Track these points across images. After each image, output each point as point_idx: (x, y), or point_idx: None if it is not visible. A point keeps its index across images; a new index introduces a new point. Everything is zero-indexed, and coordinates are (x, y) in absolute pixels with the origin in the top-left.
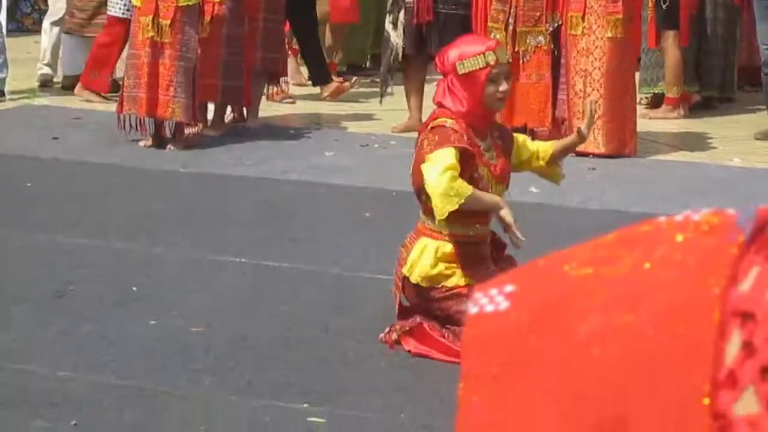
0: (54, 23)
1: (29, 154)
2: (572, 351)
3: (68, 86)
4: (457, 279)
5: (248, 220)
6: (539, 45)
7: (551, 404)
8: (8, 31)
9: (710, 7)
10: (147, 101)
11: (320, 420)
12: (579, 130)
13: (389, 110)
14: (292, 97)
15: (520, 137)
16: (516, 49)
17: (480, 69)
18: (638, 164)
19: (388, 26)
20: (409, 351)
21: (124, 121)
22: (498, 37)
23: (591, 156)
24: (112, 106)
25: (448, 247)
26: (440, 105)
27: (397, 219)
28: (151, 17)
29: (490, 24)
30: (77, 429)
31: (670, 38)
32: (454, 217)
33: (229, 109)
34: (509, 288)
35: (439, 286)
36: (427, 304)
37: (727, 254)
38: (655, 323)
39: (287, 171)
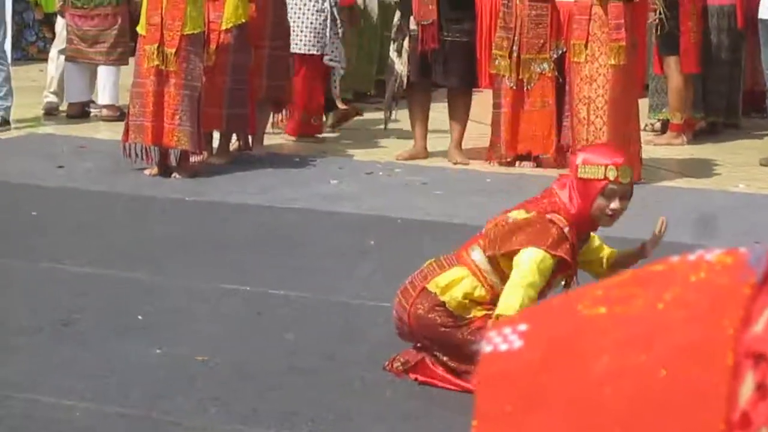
0: (61, 51)
1: (34, 182)
2: (585, 390)
3: (72, 114)
4: (475, 311)
5: (253, 248)
6: (543, 72)
7: None
8: (13, 59)
9: (714, 32)
10: (152, 130)
11: None
12: (643, 246)
13: (394, 138)
14: None
15: (596, 239)
16: (520, 77)
17: (597, 179)
18: (643, 190)
19: (393, 54)
20: (415, 379)
21: (130, 149)
22: (502, 64)
23: None
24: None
25: (482, 292)
26: (555, 193)
27: (402, 247)
28: (156, 46)
29: (494, 51)
30: None
31: (672, 64)
32: (505, 278)
33: (234, 137)
34: (523, 327)
35: (457, 315)
36: (438, 327)
37: (740, 295)
38: (669, 364)
39: (292, 199)
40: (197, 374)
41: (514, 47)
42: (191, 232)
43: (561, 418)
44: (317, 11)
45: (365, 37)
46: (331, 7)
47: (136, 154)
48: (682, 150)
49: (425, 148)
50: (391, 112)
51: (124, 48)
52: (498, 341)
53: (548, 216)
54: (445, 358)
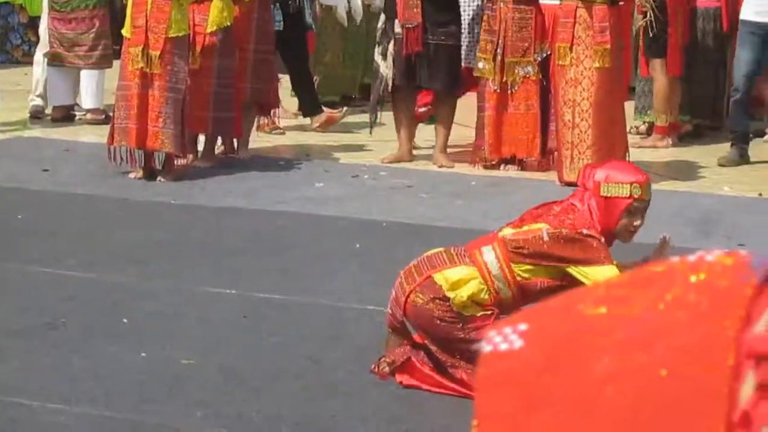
0: (45, 54)
1: (20, 186)
2: (586, 390)
3: (57, 118)
4: (474, 310)
5: (239, 251)
6: (527, 75)
7: None
8: None
9: (699, 34)
10: (137, 132)
11: None
12: (645, 259)
13: (379, 141)
14: (281, 128)
15: None
16: (504, 80)
17: (622, 198)
18: None
19: (378, 57)
20: (400, 382)
21: (115, 152)
22: (486, 67)
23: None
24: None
25: (486, 296)
26: (576, 209)
27: (388, 249)
28: (140, 48)
29: (478, 54)
30: None
31: (657, 66)
32: (515, 284)
33: (219, 140)
34: (523, 326)
35: (457, 314)
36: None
37: (741, 296)
38: (670, 364)
39: (277, 202)
40: (184, 377)
41: (498, 50)
42: (177, 236)
43: (562, 418)
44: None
45: (350, 41)
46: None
47: (122, 158)
48: (667, 153)
49: (410, 151)
50: (376, 116)
51: (104, 51)
52: (498, 341)
53: (587, 231)
54: (433, 348)
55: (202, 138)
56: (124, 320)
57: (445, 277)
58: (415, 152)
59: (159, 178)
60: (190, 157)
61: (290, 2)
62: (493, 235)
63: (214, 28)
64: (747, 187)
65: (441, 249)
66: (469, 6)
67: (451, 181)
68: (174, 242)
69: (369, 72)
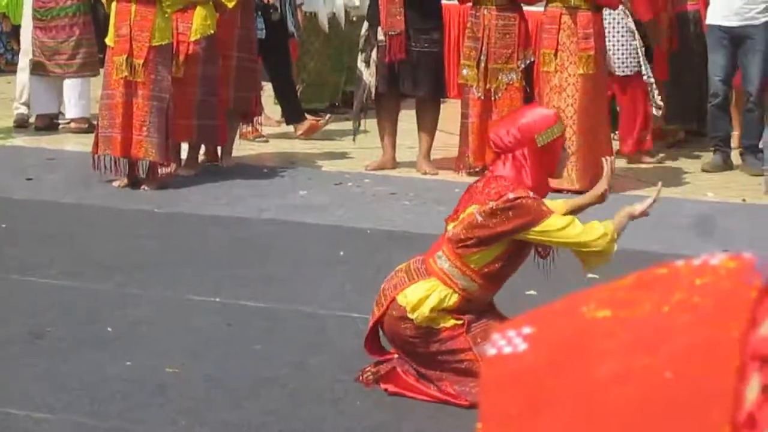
0: (31, 61)
1: (3, 194)
2: (591, 393)
3: (40, 127)
4: (444, 321)
5: (223, 259)
6: (511, 82)
7: None
8: None
9: (683, 41)
10: (121, 141)
11: None
12: (596, 190)
13: (363, 148)
14: (265, 135)
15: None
16: (488, 86)
17: (557, 138)
18: (612, 200)
19: (361, 64)
20: (385, 390)
21: (99, 161)
22: (470, 74)
23: (565, 192)
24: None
25: (453, 299)
26: (498, 176)
27: (372, 257)
28: (124, 57)
29: (462, 61)
30: None
31: None
32: (477, 278)
33: (202, 148)
34: (527, 329)
35: (427, 327)
36: (404, 344)
37: (746, 298)
38: (674, 366)
39: (261, 210)
40: (168, 386)
41: (482, 57)
42: (161, 244)
43: (566, 421)
44: (627, 31)
45: (333, 48)
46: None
47: (106, 167)
48: (652, 159)
49: (394, 158)
50: (359, 123)
51: (85, 59)
52: (502, 344)
53: (513, 194)
54: (415, 365)
55: (185, 146)
56: (109, 329)
57: (406, 297)
58: (398, 159)
59: (143, 186)
60: (174, 165)
61: (272, 10)
62: (442, 237)
63: (198, 36)
64: (731, 193)
65: (402, 266)
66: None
67: (435, 188)
68: (158, 250)
69: (352, 79)
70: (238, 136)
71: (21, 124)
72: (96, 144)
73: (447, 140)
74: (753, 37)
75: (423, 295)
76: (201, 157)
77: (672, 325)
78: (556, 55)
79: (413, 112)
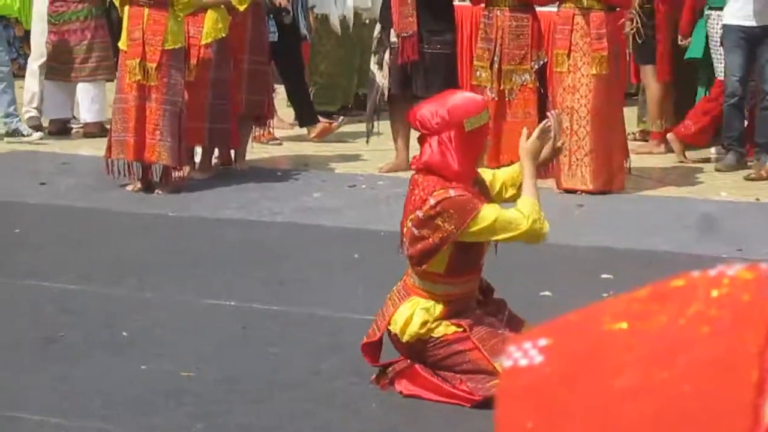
0: (42, 66)
1: (17, 199)
2: (607, 406)
3: (53, 131)
4: (444, 329)
5: (237, 262)
6: (525, 83)
7: None
8: None
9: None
10: (134, 145)
11: None
12: (551, 146)
13: (376, 150)
14: (278, 138)
15: (488, 173)
16: (501, 88)
17: (484, 125)
18: (626, 200)
19: (374, 66)
20: (400, 392)
21: (112, 165)
22: (483, 75)
23: (579, 193)
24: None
25: (439, 308)
26: (427, 167)
27: (386, 259)
28: (137, 60)
29: (475, 63)
30: None
31: (648, 73)
32: (446, 278)
33: (216, 151)
34: (543, 342)
35: (427, 338)
36: (416, 354)
37: (764, 311)
38: (692, 380)
39: (275, 213)
40: (183, 390)
41: (495, 58)
42: (175, 248)
43: None
44: None
45: (345, 50)
46: None
47: (119, 171)
48: (665, 158)
49: (407, 160)
50: (373, 125)
51: (98, 63)
52: (518, 356)
53: (433, 200)
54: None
55: (198, 150)
56: (123, 333)
57: (396, 324)
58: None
59: (156, 190)
60: (187, 168)
61: (284, 13)
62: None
63: (209, 40)
64: (745, 192)
65: (392, 290)
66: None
67: None
68: (172, 254)
69: (364, 81)
70: (251, 139)
71: (35, 128)
72: (109, 148)
73: None
74: None
75: (408, 315)
76: (214, 161)
77: (689, 338)
78: (569, 55)
79: None
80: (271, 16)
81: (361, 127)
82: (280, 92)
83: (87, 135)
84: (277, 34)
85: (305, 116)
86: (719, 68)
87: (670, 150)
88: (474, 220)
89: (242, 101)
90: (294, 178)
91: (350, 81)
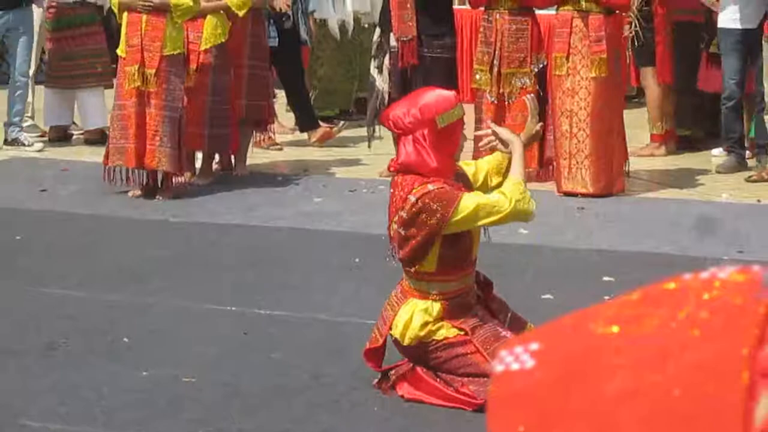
0: (33, 75)
1: (18, 206)
2: (599, 410)
3: (53, 138)
4: (446, 331)
5: (238, 267)
6: (524, 86)
7: None
8: None
9: (687, 44)
10: (135, 151)
11: None
12: (529, 128)
13: (377, 155)
14: (279, 143)
15: (470, 165)
16: (501, 91)
17: (458, 120)
18: (627, 202)
19: (374, 71)
20: (402, 396)
21: (111, 172)
22: (483, 78)
23: (579, 196)
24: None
25: (436, 307)
26: (404, 167)
27: (387, 264)
28: (136, 67)
29: (475, 66)
30: None
31: (648, 75)
32: (440, 275)
33: (217, 157)
34: (535, 346)
35: (429, 340)
36: (418, 358)
37: (755, 314)
38: (683, 383)
39: (276, 218)
40: (184, 395)
41: (495, 61)
42: (176, 253)
43: None
44: None
45: (344, 55)
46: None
47: (120, 178)
48: (665, 161)
49: None
50: (373, 129)
51: (95, 70)
52: (509, 361)
53: (413, 197)
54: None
55: (199, 155)
56: (124, 339)
57: (397, 328)
58: None
59: (157, 196)
60: (188, 174)
61: (284, 18)
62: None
63: (208, 45)
64: (745, 194)
65: (390, 295)
66: None
67: None
68: (173, 260)
69: (364, 86)
70: (251, 144)
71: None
72: (107, 155)
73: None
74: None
75: (407, 318)
76: (215, 166)
77: (680, 341)
78: (568, 58)
79: None
80: (272, 21)
81: (362, 131)
82: (281, 97)
83: (87, 141)
84: (277, 39)
85: (306, 121)
86: None
87: (670, 152)
88: (456, 210)
89: (242, 106)
90: (295, 183)
91: (349, 86)
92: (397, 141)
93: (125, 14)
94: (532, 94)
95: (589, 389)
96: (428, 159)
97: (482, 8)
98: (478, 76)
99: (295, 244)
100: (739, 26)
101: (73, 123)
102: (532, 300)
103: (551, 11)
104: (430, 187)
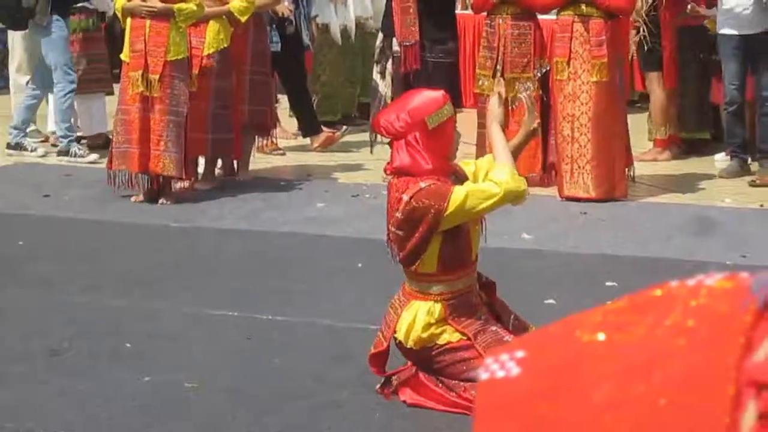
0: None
1: (21, 211)
2: (585, 418)
3: (56, 144)
4: (449, 335)
5: (241, 272)
6: (528, 91)
7: None
8: None
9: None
10: (139, 156)
11: None
12: (526, 126)
13: (379, 159)
14: (282, 149)
15: (469, 165)
16: (504, 96)
17: (448, 119)
18: (629, 207)
19: (376, 76)
20: (404, 401)
21: (114, 177)
22: (486, 83)
23: (581, 200)
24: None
25: (438, 308)
26: (399, 171)
27: (390, 268)
28: (140, 72)
29: (477, 71)
30: None
31: (654, 80)
32: (440, 275)
33: (219, 162)
34: (520, 354)
35: (432, 344)
36: (421, 362)
37: (741, 322)
38: (668, 393)
39: (279, 223)
40: (188, 401)
41: (498, 66)
42: (179, 259)
43: None
44: None
45: (347, 60)
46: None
47: (121, 182)
48: (668, 165)
49: None
50: (376, 135)
51: (89, 76)
52: (495, 368)
53: (406, 196)
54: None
55: (202, 160)
56: (128, 344)
57: (400, 329)
58: None
59: (161, 201)
60: (192, 179)
61: (287, 24)
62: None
63: (212, 50)
64: (748, 198)
65: (393, 298)
66: None
67: None
68: (176, 265)
69: (367, 90)
70: (254, 149)
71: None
72: (110, 160)
73: (464, 150)
74: (765, 45)
75: (410, 320)
76: (218, 171)
77: (666, 349)
78: (569, 63)
79: None
80: (274, 26)
81: (365, 136)
82: (283, 102)
83: (90, 147)
84: (280, 44)
85: (308, 126)
86: None
87: (673, 157)
88: (449, 202)
89: (245, 111)
90: (298, 188)
91: (351, 91)
92: (391, 146)
93: (129, 20)
94: (528, 92)
95: (575, 398)
96: (422, 161)
97: (485, 13)
98: (481, 81)
99: (298, 249)
100: (736, 32)
101: (77, 127)
102: (534, 305)
103: (552, 16)
104: (422, 184)
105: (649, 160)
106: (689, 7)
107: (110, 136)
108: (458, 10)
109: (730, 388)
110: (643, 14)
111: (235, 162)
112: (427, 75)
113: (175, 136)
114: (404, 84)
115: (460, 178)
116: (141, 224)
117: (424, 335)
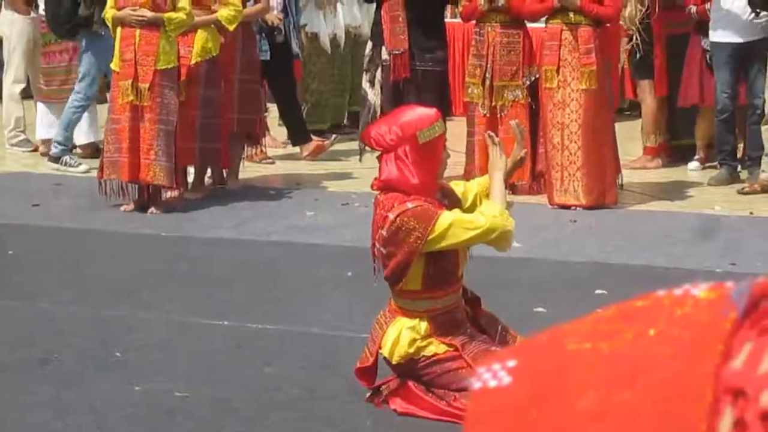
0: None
1: (10, 221)
2: (571, 426)
3: (47, 152)
4: (436, 347)
5: (230, 282)
6: (517, 99)
7: None
8: None
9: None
10: (129, 166)
11: None
12: (514, 155)
13: (369, 168)
14: (271, 157)
15: (459, 186)
16: (493, 104)
17: (439, 136)
18: (619, 214)
19: (366, 84)
20: (395, 410)
21: (105, 186)
22: (475, 91)
23: (571, 208)
24: (93, 172)
25: (424, 325)
26: (387, 185)
27: (380, 277)
28: (130, 81)
29: (467, 79)
30: None
31: (646, 88)
32: (425, 293)
33: (209, 171)
34: (511, 363)
35: (419, 357)
36: (410, 375)
37: (721, 330)
38: (650, 401)
39: (268, 232)
40: (177, 410)
41: (487, 74)
42: (168, 268)
43: None
44: None
45: (336, 68)
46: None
47: (113, 191)
48: (658, 173)
49: None
50: (365, 143)
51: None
52: (487, 377)
53: (392, 215)
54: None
55: (191, 169)
56: (117, 353)
57: (385, 345)
58: None
59: (150, 210)
60: (181, 188)
61: (276, 32)
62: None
63: (199, 59)
64: (738, 206)
65: (379, 313)
66: None
67: None
68: (165, 274)
69: (356, 99)
70: (243, 158)
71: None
72: (101, 169)
73: (453, 158)
74: (758, 52)
75: (395, 336)
76: (207, 180)
77: (650, 358)
78: (558, 71)
79: None
80: (264, 34)
81: (354, 145)
82: (273, 111)
83: (80, 156)
84: (269, 53)
85: (298, 135)
86: None
87: (663, 164)
88: (434, 227)
89: (234, 120)
90: (287, 196)
91: (341, 99)
92: (379, 159)
93: (119, 29)
94: (517, 120)
95: (561, 407)
96: (410, 176)
97: (474, 21)
98: (470, 89)
99: (287, 258)
100: (729, 40)
101: None
102: (524, 313)
103: (541, 24)
104: (409, 205)
105: (638, 167)
106: (693, 10)
107: (100, 146)
108: (447, 19)
109: (707, 394)
110: (637, 22)
111: (224, 171)
112: (417, 84)
113: (166, 146)
114: (394, 93)
115: (447, 195)
116: (131, 233)
117: (411, 350)
